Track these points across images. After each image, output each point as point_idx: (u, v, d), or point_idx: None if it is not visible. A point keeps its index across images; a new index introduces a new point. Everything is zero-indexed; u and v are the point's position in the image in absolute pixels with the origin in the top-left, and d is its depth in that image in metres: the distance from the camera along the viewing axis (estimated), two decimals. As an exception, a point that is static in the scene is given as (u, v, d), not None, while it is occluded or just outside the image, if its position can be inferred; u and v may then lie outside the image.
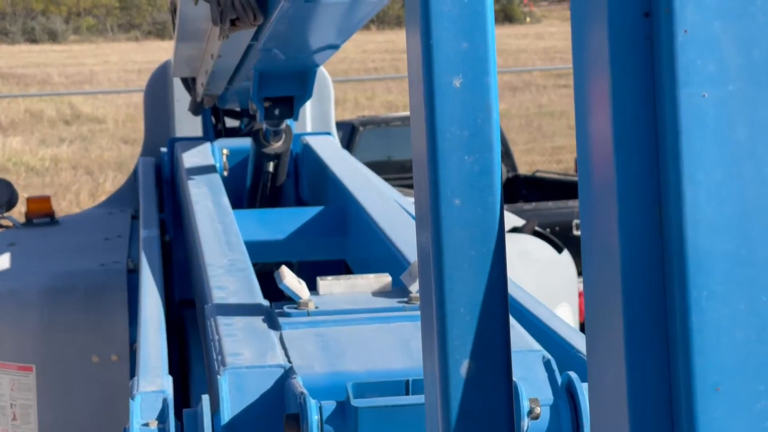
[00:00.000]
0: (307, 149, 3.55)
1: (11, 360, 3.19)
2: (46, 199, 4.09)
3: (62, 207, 11.30)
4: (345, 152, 3.53)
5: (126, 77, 21.00)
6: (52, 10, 30.34)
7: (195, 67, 3.42)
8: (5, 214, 4.07)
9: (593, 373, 0.78)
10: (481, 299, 0.95)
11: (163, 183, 3.79)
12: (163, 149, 3.94)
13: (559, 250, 4.47)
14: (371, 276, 1.83)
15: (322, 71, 4.25)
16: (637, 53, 0.72)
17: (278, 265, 3.17)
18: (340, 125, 6.97)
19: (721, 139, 0.70)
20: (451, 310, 0.95)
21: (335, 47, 2.52)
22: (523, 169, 12.44)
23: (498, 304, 0.95)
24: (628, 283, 0.73)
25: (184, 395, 2.98)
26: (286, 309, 1.70)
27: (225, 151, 3.61)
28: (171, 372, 1.73)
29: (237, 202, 3.53)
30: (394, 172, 7.47)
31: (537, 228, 4.65)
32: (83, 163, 13.87)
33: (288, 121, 3.10)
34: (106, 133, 15.94)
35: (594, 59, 0.74)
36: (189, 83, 3.72)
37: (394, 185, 2.89)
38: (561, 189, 7.65)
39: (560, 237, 6.51)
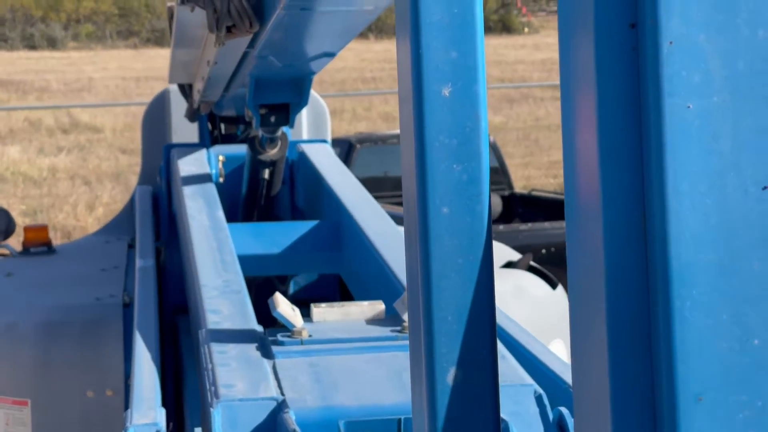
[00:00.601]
0: (303, 157, 3.56)
1: (6, 394, 3.20)
2: (43, 228, 4.12)
3: (59, 219, 11.29)
4: (339, 161, 3.54)
5: (124, 85, 21.01)
6: (52, 17, 30.36)
7: (191, 73, 3.42)
8: (2, 243, 4.09)
9: (577, 382, 0.79)
10: (469, 307, 0.95)
11: (159, 211, 3.80)
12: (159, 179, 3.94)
13: (554, 286, 4.48)
14: (365, 303, 1.83)
15: (318, 98, 4.28)
16: (623, 64, 0.72)
17: (276, 278, 3.16)
18: (336, 142, 6.98)
19: (705, 150, 0.70)
20: (438, 318, 0.95)
21: (331, 55, 2.53)
22: (520, 184, 12.46)
23: (485, 313, 0.96)
24: (611, 293, 0.73)
25: (177, 409, 2.98)
26: (279, 337, 1.70)
27: (221, 158, 3.62)
28: (164, 390, 1.73)
29: (233, 209, 3.54)
30: (390, 188, 7.48)
31: (532, 263, 4.65)
32: (81, 174, 13.87)
33: (284, 128, 3.10)
34: (104, 143, 15.95)
35: (580, 69, 0.75)
36: (186, 89, 3.72)
37: (390, 202, 2.90)
38: (557, 208, 7.67)
39: (555, 258, 6.51)
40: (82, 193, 12.54)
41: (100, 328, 3.18)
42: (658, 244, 0.71)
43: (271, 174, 3.29)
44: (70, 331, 3.19)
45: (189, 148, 3.74)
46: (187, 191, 2.97)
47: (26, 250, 4.04)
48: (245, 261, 2.56)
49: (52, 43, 28.85)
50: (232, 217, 3.55)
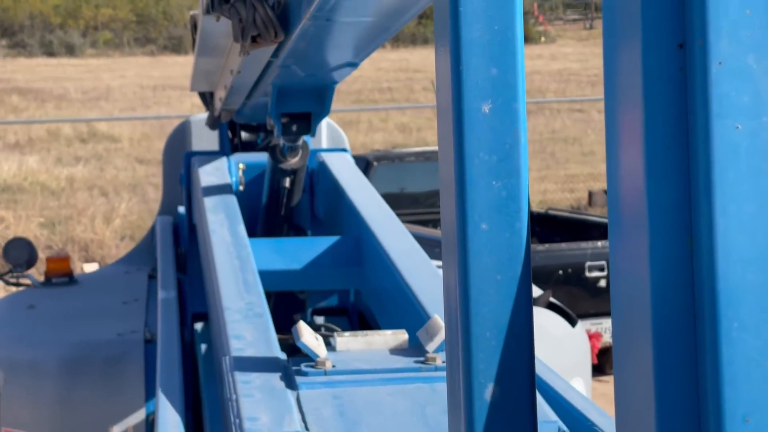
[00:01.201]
0: (323, 167, 3.56)
1: (29, 430, 3.22)
2: (65, 259, 4.17)
3: (77, 233, 11.31)
4: (359, 172, 3.54)
5: (141, 94, 21.08)
6: (70, 24, 30.51)
7: (213, 81, 3.43)
8: (25, 273, 4.13)
9: (620, 403, 0.79)
10: (507, 324, 0.95)
11: (180, 242, 3.81)
12: (181, 208, 3.96)
13: (573, 324, 4.47)
14: (388, 332, 1.83)
15: (337, 129, 4.29)
16: (671, 84, 0.72)
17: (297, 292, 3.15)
18: (354, 159, 6.98)
19: (754, 171, 0.70)
20: (476, 334, 0.95)
21: (354, 65, 2.53)
22: (537, 198, 12.43)
23: (523, 329, 0.95)
24: (658, 314, 0.73)
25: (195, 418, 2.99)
26: (303, 368, 1.70)
27: (241, 166, 3.63)
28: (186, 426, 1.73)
29: (252, 218, 3.55)
30: (407, 205, 7.47)
31: (551, 299, 4.65)
32: (98, 184, 13.92)
33: (305, 137, 3.11)
34: (121, 152, 16.00)
35: (627, 89, 0.75)
36: (207, 98, 3.74)
37: (406, 219, 2.90)
38: (573, 227, 7.68)
39: (572, 279, 6.50)
40: (100, 204, 12.58)
41: (121, 365, 3.21)
42: (705, 264, 0.71)
43: (292, 182, 3.29)
44: (91, 368, 3.22)
45: (209, 156, 3.76)
46: (208, 203, 2.98)
47: (48, 281, 4.09)
48: (266, 276, 2.56)
49: (71, 50, 28.99)
50: (251, 225, 3.56)
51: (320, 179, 3.64)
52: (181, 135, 4.36)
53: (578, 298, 6.60)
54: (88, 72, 24.58)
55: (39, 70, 24.95)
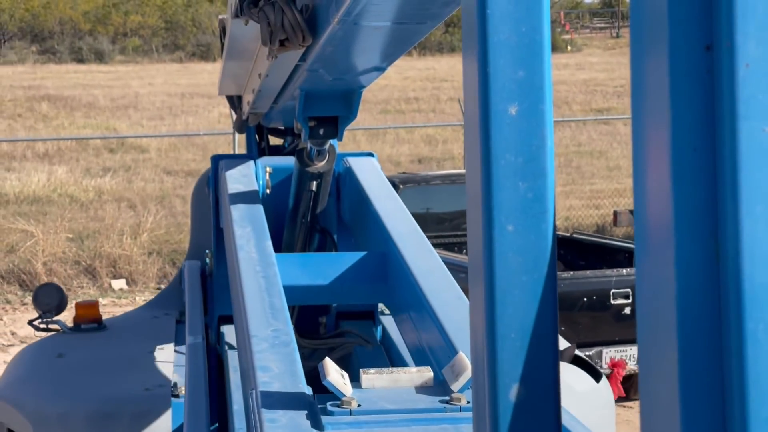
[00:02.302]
0: (350, 172, 3.57)
1: None
2: (94, 305, 4.22)
3: (105, 249, 11.39)
4: (385, 180, 3.54)
5: (170, 102, 21.22)
6: (99, 30, 30.75)
7: (241, 85, 3.46)
8: (54, 319, 4.18)
9: (645, 403, 0.79)
10: (532, 325, 0.95)
11: (207, 286, 3.84)
12: (207, 252, 3.99)
13: (598, 378, 4.45)
14: (413, 370, 1.84)
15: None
16: (698, 86, 0.72)
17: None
18: None
19: (780, 173, 0.70)
20: (501, 335, 0.95)
21: (381, 69, 2.54)
22: (562, 215, 12.40)
23: (548, 331, 0.96)
24: (683, 315, 0.73)
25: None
26: (329, 407, 1.71)
27: (268, 169, 3.65)
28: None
29: (279, 221, 3.56)
30: (433, 228, 7.47)
31: (577, 352, 4.62)
32: (126, 196, 14.03)
33: (332, 141, 3.12)
34: (149, 163, 16.11)
35: (653, 91, 0.75)
36: (234, 101, 3.76)
37: (432, 238, 2.90)
38: (598, 251, 7.68)
39: (597, 306, 6.50)
40: (128, 218, 12.67)
41: (149, 421, 3.24)
42: (730, 266, 0.71)
43: (318, 186, 3.30)
44: (120, 424, 3.25)
45: (236, 159, 3.78)
46: (235, 214, 2.99)
47: (77, 326, 4.13)
48: (293, 291, 2.58)
49: (100, 57, 29.22)
50: (278, 228, 3.57)
51: (347, 184, 3.65)
52: (208, 179, 4.37)
53: (603, 325, 6.64)
54: (117, 79, 24.77)
55: (68, 77, 25.17)
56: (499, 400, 0.95)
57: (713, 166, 0.73)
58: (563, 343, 4.58)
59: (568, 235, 8.24)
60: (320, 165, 3.22)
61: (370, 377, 1.81)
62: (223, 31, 3.04)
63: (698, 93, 0.72)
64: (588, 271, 6.66)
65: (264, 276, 2.49)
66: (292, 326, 2.22)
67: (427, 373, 1.82)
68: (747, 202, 0.70)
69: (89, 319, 4.13)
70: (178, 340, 3.75)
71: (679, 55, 0.72)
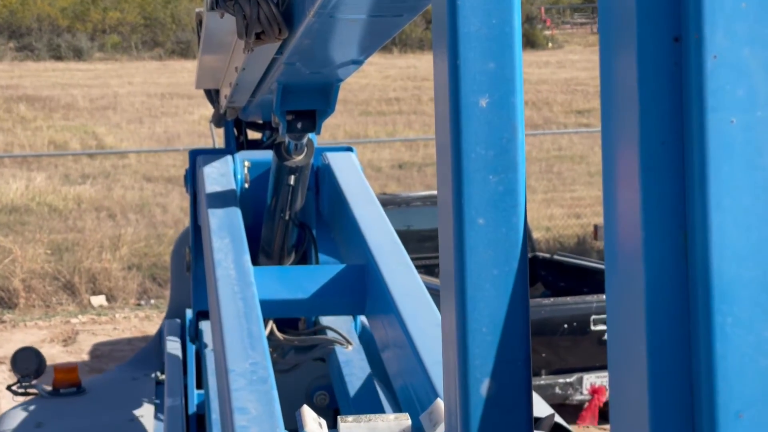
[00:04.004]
0: (328, 169, 3.56)
1: None
2: (73, 369, 4.20)
3: (85, 265, 11.28)
4: (362, 178, 3.51)
5: (149, 103, 21.04)
6: (78, 27, 30.52)
7: (219, 79, 3.43)
8: (33, 383, 4.16)
9: (615, 396, 0.78)
10: (503, 319, 0.95)
11: (187, 346, 3.83)
12: (189, 311, 3.97)
13: None
14: (391, 417, 1.85)
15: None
16: (666, 78, 0.72)
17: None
18: None
19: (748, 165, 0.70)
20: (472, 330, 0.94)
21: (359, 63, 2.53)
22: (543, 224, 12.40)
23: (520, 324, 0.95)
24: (652, 308, 0.72)
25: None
26: None
27: (246, 164, 3.63)
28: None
29: (258, 215, 3.54)
30: (413, 249, 7.47)
31: (557, 420, 4.61)
32: (105, 205, 13.88)
33: (310, 135, 3.11)
34: (128, 169, 15.95)
35: (622, 82, 0.74)
36: (212, 95, 3.74)
37: (411, 255, 2.89)
38: (579, 273, 7.75)
39: (577, 332, 6.56)
40: (107, 228, 12.53)
41: None
42: (699, 260, 0.71)
43: (297, 180, 3.29)
44: None
45: (215, 154, 3.76)
46: (213, 223, 2.96)
47: (56, 391, 4.11)
48: (271, 305, 2.57)
49: (78, 54, 28.97)
50: (257, 223, 3.55)
51: (326, 180, 3.63)
52: (188, 240, 4.35)
53: (583, 351, 6.69)
54: (96, 78, 24.54)
55: (47, 75, 24.92)
56: (471, 396, 0.94)
57: (682, 159, 0.72)
58: (544, 409, 4.57)
59: (549, 256, 8.28)
60: (298, 159, 3.20)
61: (348, 425, 1.82)
62: (199, 24, 3.02)
63: (666, 85, 0.72)
64: (568, 297, 6.73)
65: (242, 298, 2.49)
66: (269, 355, 2.22)
67: (404, 421, 1.83)
68: (715, 194, 0.70)
69: (68, 383, 4.12)
70: (158, 408, 3.74)
71: (648, 47, 0.72)
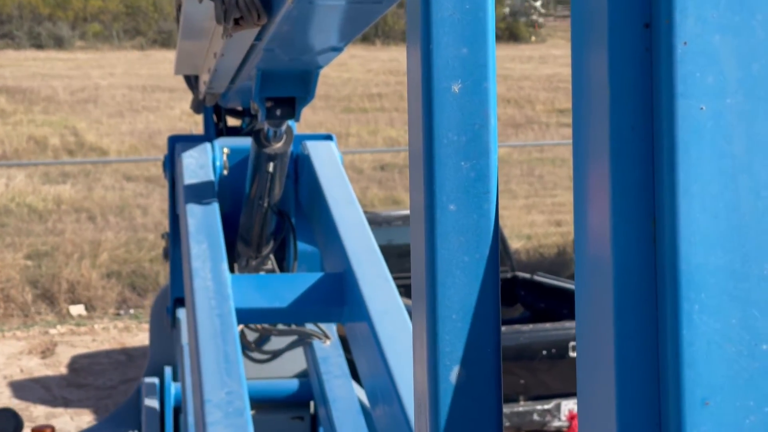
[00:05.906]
0: (308, 160, 3.54)
1: None
2: (50, 430, 4.19)
3: (64, 275, 11.16)
4: (341, 170, 3.50)
5: (130, 96, 20.83)
6: (59, 15, 30.26)
7: (198, 65, 3.42)
8: None
9: (582, 385, 0.78)
10: (474, 306, 0.94)
11: (165, 405, 3.83)
12: (168, 369, 3.97)
13: None
14: None
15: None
16: (636, 64, 0.71)
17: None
18: None
19: (717, 152, 0.69)
20: (442, 316, 0.94)
21: (338, 49, 2.52)
22: (524, 232, 12.36)
23: (490, 311, 0.95)
24: (620, 294, 0.72)
25: None
26: None
27: (226, 150, 3.61)
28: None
29: (236, 202, 3.53)
30: (395, 265, 7.45)
31: None
32: (85, 206, 13.71)
33: (289, 122, 3.10)
34: (109, 168, 15.77)
35: (593, 69, 0.74)
36: (192, 81, 3.72)
37: (393, 272, 2.90)
38: (558, 294, 7.75)
39: (556, 358, 6.57)
40: (86, 232, 12.37)
41: None
42: (667, 246, 0.70)
43: (276, 168, 3.28)
44: None
45: (193, 140, 3.74)
46: (191, 224, 2.95)
47: None
48: (249, 314, 2.57)
49: (59, 43, 28.69)
50: (236, 210, 3.54)
51: (304, 168, 3.62)
52: (167, 298, 4.32)
53: (561, 378, 6.71)
54: (77, 68, 24.27)
55: (27, 64, 24.63)
56: (440, 383, 0.94)
57: (651, 145, 0.72)
58: None
59: (529, 277, 8.28)
60: (277, 146, 3.19)
61: None
62: (178, 9, 3.00)
63: (637, 71, 0.72)
64: (547, 324, 6.73)
65: (219, 314, 2.48)
66: (245, 382, 2.22)
67: None
68: (684, 181, 0.70)
69: None
70: None
71: (618, 33, 0.71)
